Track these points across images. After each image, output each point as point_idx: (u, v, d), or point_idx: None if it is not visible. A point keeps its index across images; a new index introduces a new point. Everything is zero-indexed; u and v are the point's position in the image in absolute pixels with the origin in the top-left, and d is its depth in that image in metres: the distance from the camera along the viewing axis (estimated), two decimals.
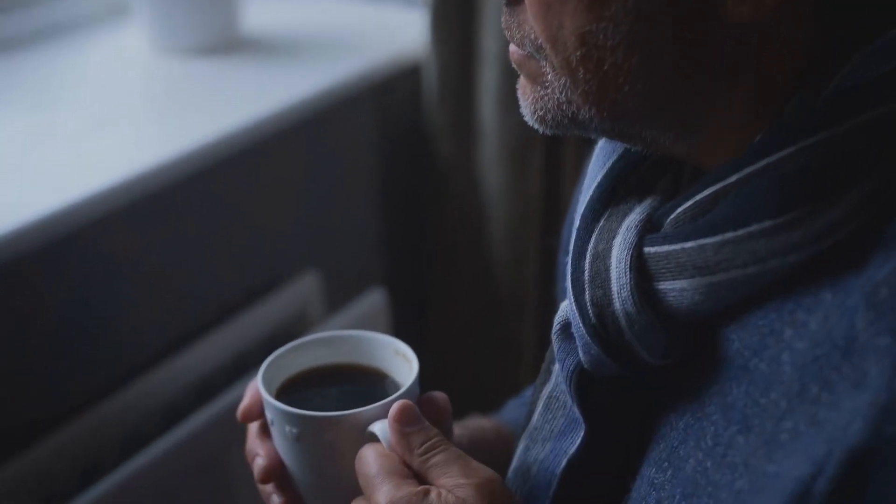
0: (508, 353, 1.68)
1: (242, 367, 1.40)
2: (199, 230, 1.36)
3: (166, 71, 1.45)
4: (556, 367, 0.73)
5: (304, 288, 1.47)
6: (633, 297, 0.62)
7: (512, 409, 0.99)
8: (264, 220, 1.45)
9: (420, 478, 0.66)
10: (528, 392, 1.02)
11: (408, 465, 0.67)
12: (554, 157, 1.61)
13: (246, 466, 1.29)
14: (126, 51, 1.48)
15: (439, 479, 0.65)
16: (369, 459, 0.67)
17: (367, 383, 0.76)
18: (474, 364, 1.66)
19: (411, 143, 1.62)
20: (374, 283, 1.56)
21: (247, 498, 1.32)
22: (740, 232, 0.58)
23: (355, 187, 1.59)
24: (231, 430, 1.27)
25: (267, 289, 1.45)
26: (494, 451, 0.84)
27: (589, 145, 1.70)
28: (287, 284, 1.46)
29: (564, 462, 0.71)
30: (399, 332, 0.79)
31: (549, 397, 0.73)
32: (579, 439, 0.70)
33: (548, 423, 0.74)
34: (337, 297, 1.52)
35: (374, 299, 1.47)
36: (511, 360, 1.69)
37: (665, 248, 0.61)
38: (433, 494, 0.64)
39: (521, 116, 1.57)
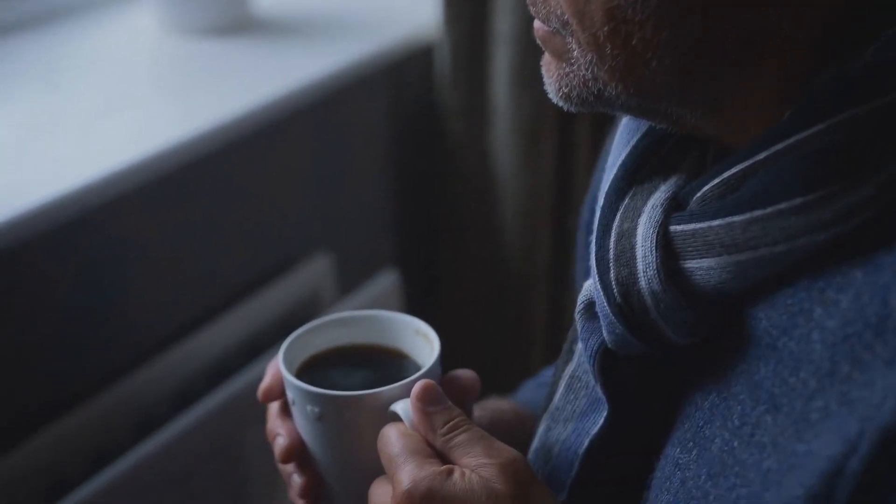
0: (520, 333, 1.68)
1: (255, 349, 1.39)
2: (210, 213, 1.35)
3: (177, 52, 1.44)
4: (580, 346, 0.72)
5: (316, 270, 1.47)
6: (658, 276, 0.61)
7: (528, 391, 0.98)
8: (276, 202, 1.44)
9: (443, 458, 0.66)
10: (544, 373, 1.02)
11: (430, 445, 0.67)
12: (566, 138, 1.60)
13: (258, 449, 1.30)
14: (136, 31, 1.47)
15: (462, 459, 0.65)
16: (392, 439, 0.67)
17: (387, 363, 0.76)
18: (486, 345, 1.65)
19: (423, 124, 1.61)
20: (387, 264, 1.56)
21: (259, 481, 1.32)
22: (769, 209, 0.57)
23: (367, 168, 1.58)
24: (243, 414, 1.27)
25: (278, 271, 1.45)
26: (513, 433, 0.84)
27: (603, 126, 1.69)
28: (299, 267, 1.46)
29: (587, 442, 0.71)
30: (411, 313, 0.79)
31: (572, 377, 0.73)
32: (602, 419, 0.69)
33: (570, 403, 0.73)
34: (349, 279, 1.52)
35: (386, 281, 1.47)
36: (522, 340, 1.69)
37: (692, 226, 0.60)
38: (457, 474, 0.64)
39: (533, 97, 1.57)
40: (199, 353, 1.33)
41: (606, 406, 0.69)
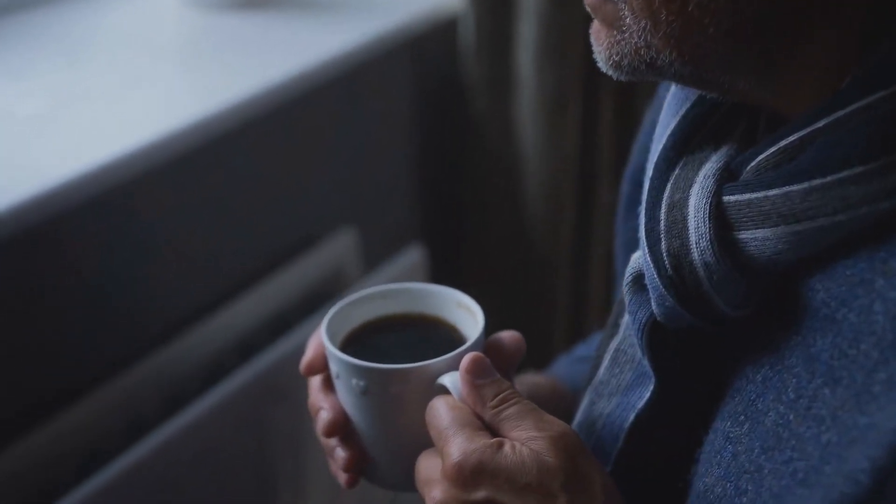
0: (543, 308, 1.68)
1: (280, 326, 1.39)
2: (234, 189, 1.35)
3: (198, 27, 1.43)
4: (626, 320, 0.71)
5: (341, 246, 1.46)
6: (712, 247, 0.60)
7: (563, 366, 0.98)
8: (299, 178, 1.44)
9: (492, 430, 0.65)
10: (578, 349, 1.02)
11: (479, 418, 0.66)
12: (591, 111, 1.59)
13: (284, 425, 1.30)
14: (158, 6, 1.46)
15: (512, 432, 0.64)
16: (441, 411, 0.66)
17: (430, 335, 0.75)
18: (510, 319, 1.64)
19: (447, 97, 1.60)
20: (412, 239, 1.55)
21: (286, 456, 1.32)
22: (829, 178, 0.56)
23: (391, 143, 1.57)
24: (270, 390, 1.27)
25: (303, 247, 1.44)
26: (550, 407, 0.83)
27: (628, 100, 1.68)
28: (323, 243, 1.45)
29: (632, 416, 0.70)
30: None
31: (617, 351, 0.72)
32: (648, 393, 0.69)
33: (615, 377, 0.73)
34: (374, 254, 1.51)
35: (411, 255, 1.46)
36: (545, 315, 1.68)
37: (747, 196, 0.60)
38: (507, 447, 0.63)
39: (558, 70, 1.56)
40: (224, 330, 1.33)
41: (653, 380, 0.68)
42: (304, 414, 1.30)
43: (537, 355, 1.02)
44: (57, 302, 1.17)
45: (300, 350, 1.27)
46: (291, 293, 1.41)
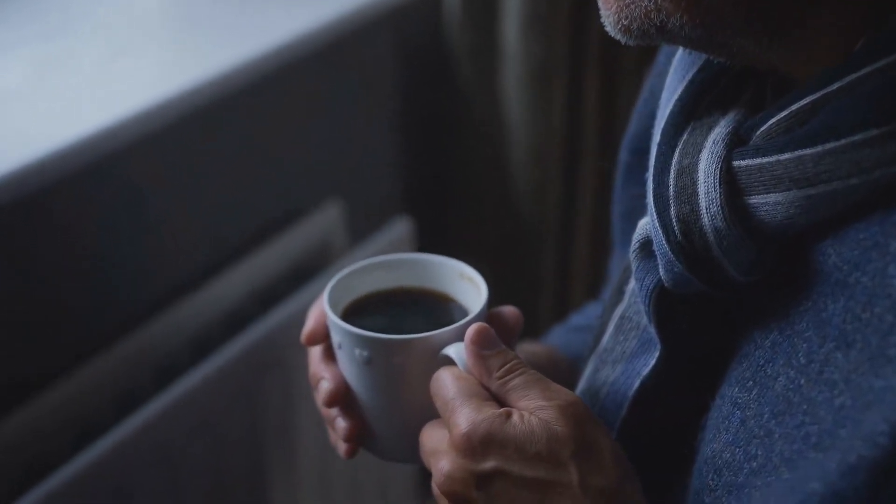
0: (529, 278, 1.67)
1: (267, 298, 1.38)
2: (219, 161, 1.33)
3: None
4: (631, 286, 0.71)
5: (327, 218, 1.45)
6: (722, 212, 0.60)
7: (558, 335, 0.98)
8: (285, 150, 1.42)
9: (499, 401, 0.65)
10: (573, 318, 1.01)
11: (485, 389, 0.66)
12: (577, 82, 1.59)
13: (275, 397, 1.29)
14: None
15: (520, 402, 0.64)
16: (447, 382, 0.66)
17: (433, 306, 0.75)
18: (496, 290, 1.64)
19: (432, 67, 1.59)
20: (398, 211, 1.54)
21: (277, 429, 1.32)
22: (843, 141, 0.56)
23: (376, 114, 1.56)
24: (260, 363, 1.26)
25: (289, 220, 1.43)
26: (549, 377, 0.83)
27: (615, 71, 1.67)
28: (309, 215, 1.44)
29: (637, 383, 0.70)
30: None
31: (622, 318, 0.72)
32: (653, 360, 0.69)
33: (619, 344, 0.72)
34: (360, 227, 1.50)
35: (398, 228, 1.45)
36: (531, 285, 1.68)
37: (758, 160, 0.59)
38: (515, 416, 0.63)
39: (544, 40, 1.54)
40: (211, 304, 1.32)
41: (659, 346, 0.68)
42: (294, 386, 1.32)
43: (526, 323, 1.01)
44: (42, 275, 1.16)
45: (290, 323, 1.29)
46: (278, 266, 1.40)
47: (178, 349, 1.28)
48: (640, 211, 0.85)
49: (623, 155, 0.86)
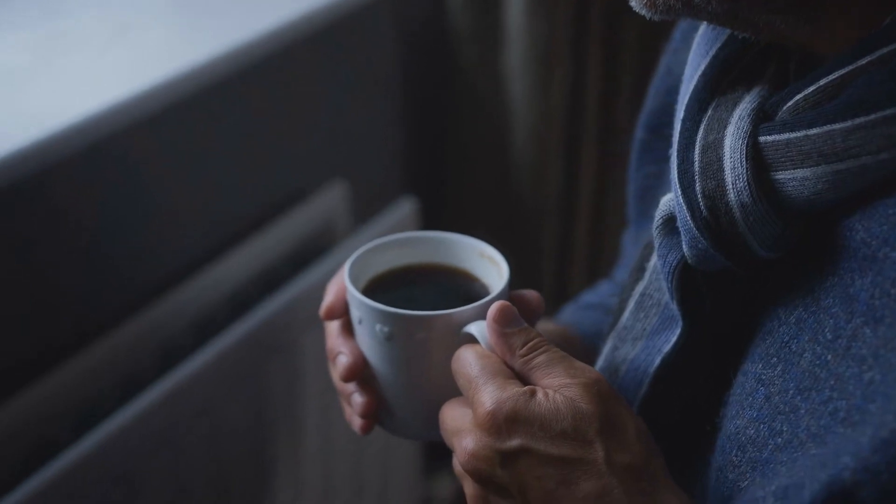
0: (530, 256, 1.67)
1: (272, 279, 1.38)
2: (223, 141, 1.33)
3: None
4: (652, 264, 0.71)
5: (331, 198, 1.45)
6: (749, 188, 0.60)
7: (569, 313, 0.97)
8: (289, 130, 1.42)
9: (522, 379, 0.65)
10: (584, 296, 1.01)
11: (508, 367, 0.66)
12: (579, 63, 1.58)
13: (279, 379, 1.29)
14: None
15: (543, 380, 0.64)
16: (470, 360, 0.65)
17: (453, 284, 0.74)
18: None
19: (435, 48, 1.58)
20: (403, 191, 1.54)
21: (282, 409, 1.31)
22: (873, 116, 0.56)
23: (379, 94, 1.56)
24: (266, 343, 1.26)
25: (293, 200, 1.42)
26: None
27: (616, 52, 1.66)
28: (313, 195, 1.44)
29: (658, 360, 0.70)
30: None
31: (643, 295, 0.72)
32: (675, 337, 0.68)
33: (639, 321, 0.72)
34: (364, 208, 1.50)
35: (402, 208, 1.45)
36: (533, 263, 1.68)
37: (785, 136, 0.59)
38: (540, 394, 0.62)
39: (547, 21, 1.54)
40: (215, 284, 1.32)
41: (680, 323, 0.68)
42: (298, 368, 1.31)
43: None
44: (44, 257, 1.15)
45: (295, 304, 1.28)
46: (282, 248, 1.40)
47: (182, 332, 1.28)
48: (656, 188, 0.85)
49: (638, 133, 0.86)
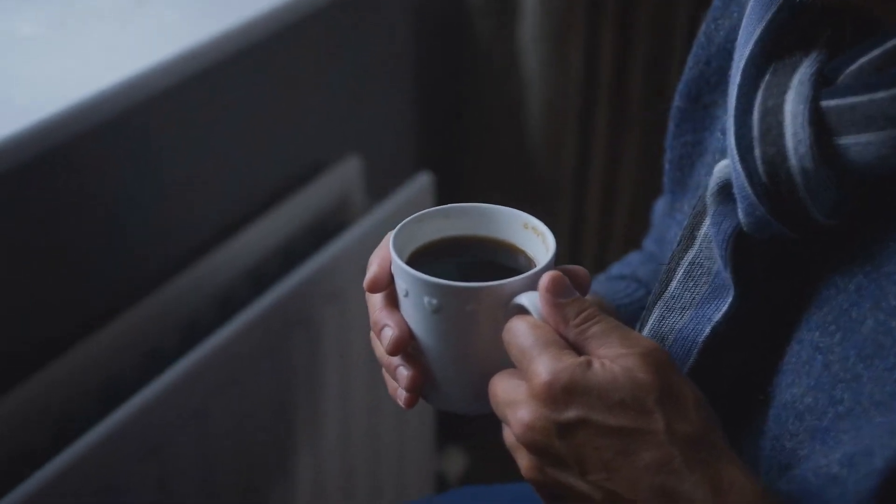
0: None
1: (288, 254, 1.37)
2: (237, 116, 1.31)
3: None
4: (703, 232, 0.70)
5: (347, 173, 1.44)
6: (811, 153, 0.59)
7: (601, 284, 0.96)
8: (303, 105, 1.40)
9: (576, 350, 0.64)
10: (613, 268, 1.00)
11: (562, 337, 0.65)
12: (593, 38, 1.57)
13: (301, 352, 1.28)
14: None
15: (599, 350, 0.63)
16: (523, 331, 0.64)
17: (497, 256, 0.73)
18: None
19: (450, 22, 1.57)
20: (418, 167, 1.53)
21: (304, 386, 1.31)
22: None
23: (393, 69, 1.54)
24: (285, 318, 1.25)
25: (309, 175, 1.41)
26: None
27: (629, 26, 1.65)
28: (329, 170, 1.42)
29: (708, 329, 0.69)
30: None
31: (692, 264, 0.71)
32: (726, 306, 0.68)
33: (688, 290, 0.71)
34: (380, 183, 1.49)
35: (418, 183, 1.43)
36: None
37: (849, 100, 0.58)
38: (596, 365, 0.61)
39: None
40: (231, 260, 1.31)
41: (732, 292, 0.67)
42: (319, 342, 1.30)
43: None
44: (62, 233, 1.14)
45: (315, 278, 1.27)
46: (298, 222, 1.39)
47: (203, 306, 1.27)
48: (694, 157, 0.84)
49: (676, 101, 0.85)
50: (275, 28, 1.27)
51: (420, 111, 1.60)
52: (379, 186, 1.49)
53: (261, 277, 1.34)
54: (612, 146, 1.67)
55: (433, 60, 1.60)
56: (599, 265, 1.76)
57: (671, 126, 0.85)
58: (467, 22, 1.54)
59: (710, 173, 0.77)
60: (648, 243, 1.00)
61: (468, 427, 1.79)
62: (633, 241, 1.78)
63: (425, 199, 1.43)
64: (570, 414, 0.61)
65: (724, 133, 0.76)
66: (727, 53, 0.78)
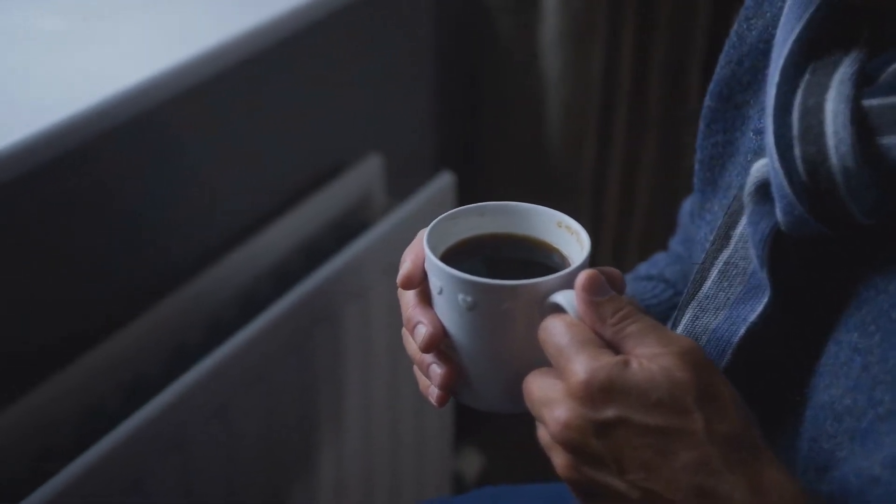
0: None
1: (309, 253, 1.37)
2: (259, 115, 1.32)
3: None
4: (739, 231, 0.70)
5: (368, 172, 1.44)
6: (853, 153, 0.59)
7: (627, 284, 0.96)
8: (324, 103, 1.40)
9: (613, 348, 0.63)
10: (640, 268, 1.00)
11: (599, 336, 0.64)
12: (614, 39, 1.57)
13: (323, 350, 1.28)
14: None
15: (637, 349, 0.62)
16: (559, 329, 0.64)
17: (531, 254, 0.73)
18: None
19: (471, 21, 1.57)
20: (438, 166, 1.53)
21: (326, 383, 1.31)
22: None
23: (414, 67, 1.54)
24: (308, 316, 1.25)
25: (330, 174, 1.41)
26: None
27: (652, 25, 1.64)
28: (350, 169, 1.43)
29: (743, 330, 0.69)
30: None
31: (727, 264, 0.71)
32: (761, 306, 0.67)
33: (723, 290, 0.71)
34: (401, 182, 1.49)
35: (439, 183, 1.43)
36: None
37: (891, 99, 0.58)
38: (634, 364, 0.61)
39: None
40: (253, 258, 1.31)
41: (768, 292, 0.67)
42: (341, 340, 1.30)
43: None
44: (84, 232, 1.14)
45: (338, 276, 1.27)
46: (319, 221, 1.39)
47: (225, 306, 1.27)
48: (724, 158, 0.84)
49: (707, 100, 0.84)
50: (296, 27, 1.27)
51: (441, 110, 1.60)
52: (400, 185, 1.49)
53: (283, 276, 1.34)
54: (631, 146, 1.67)
55: (454, 59, 1.59)
56: (616, 265, 1.75)
57: (702, 126, 0.85)
58: (488, 21, 1.54)
59: (741, 174, 0.77)
60: (675, 244, 1.00)
61: (485, 428, 1.79)
62: (650, 241, 1.78)
63: (446, 198, 1.43)
64: (608, 413, 0.60)
65: (756, 133, 0.76)
66: (760, 53, 0.78)
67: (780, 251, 0.65)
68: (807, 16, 0.64)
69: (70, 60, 1.13)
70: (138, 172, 1.18)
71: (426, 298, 0.72)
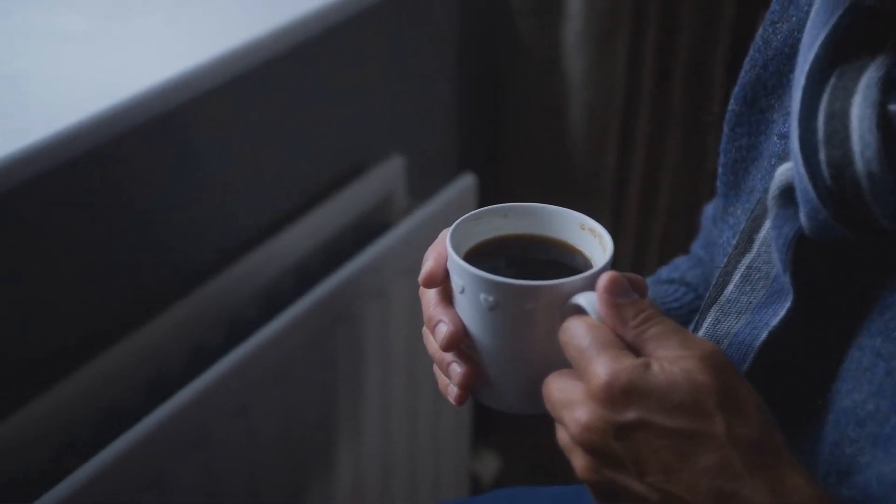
0: None
1: (331, 253, 1.37)
2: (281, 116, 1.32)
3: None
4: (762, 235, 0.70)
5: (389, 173, 1.44)
6: (878, 157, 0.59)
7: (648, 287, 0.96)
8: (346, 104, 1.41)
9: (634, 351, 0.63)
10: (661, 271, 1.00)
11: (620, 338, 0.64)
12: (638, 39, 1.57)
13: (344, 350, 1.28)
14: None
15: (658, 352, 0.62)
16: (581, 331, 0.64)
17: (553, 256, 0.73)
18: None
19: (494, 23, 1.57)
20: (460, 168, 1.53)
21: (346, 382, 1.31)
22: None
23: (436, 68, 1.54)
24: (328, 316, 1.25)
25: (352, 175, 1.42)
26: None
27: (674, 29, 1.64)
28: (371, 170, 1.43)
29: (765, 334, 0.69)
30: None
31: (749, 268, 0.71)
32: (783, 311, 0.67)
33: (745, 294, 0.71)
34: (423, 182, 1.49)
35: (461, 184, 1.44)
36: None
37: None
38: (656, 366, 0.61)
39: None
40: (274, 258, 1.31)
41: (790, 297, 0.67)
42: (362, 340, 1.31)
43: None
44: (111, 230, 1.15)
45: (358, 277, 1.28)
46: (341, 221, 1.39)
47: (245, 305, 1.27)
48: (748, 161, 0.84)
49: (732, 104, 0.84)
50: (318, 28, 1.27)
51: (463, 111, 1.60)
52: (421, 186, 1.49)
53: (304, 276, 1.34)
54: (653, 148, 1.67)
55: (477, 60, 1.60)
56: (637, 268, 1.75)
57: (726, 130, 0.85)
58: (511, 22, 1.54)
59: (765, 178, 0.77)
60: (697, 247, 1.00)
61: (502, 429, 1.79)
62: (671, 244, 1.78)
63: (468, 199, 1.43)
64: (629, 415, 0.60)
65: (781, 137, 0.76)
66: (785, 57, 0.78)
67: (803, 255, 0.65)
68: (833, 20, 0.64)
69: (92, 60, 1.13)
70: (162, 172, 1.19)
71: (448, 297, 0.72)
